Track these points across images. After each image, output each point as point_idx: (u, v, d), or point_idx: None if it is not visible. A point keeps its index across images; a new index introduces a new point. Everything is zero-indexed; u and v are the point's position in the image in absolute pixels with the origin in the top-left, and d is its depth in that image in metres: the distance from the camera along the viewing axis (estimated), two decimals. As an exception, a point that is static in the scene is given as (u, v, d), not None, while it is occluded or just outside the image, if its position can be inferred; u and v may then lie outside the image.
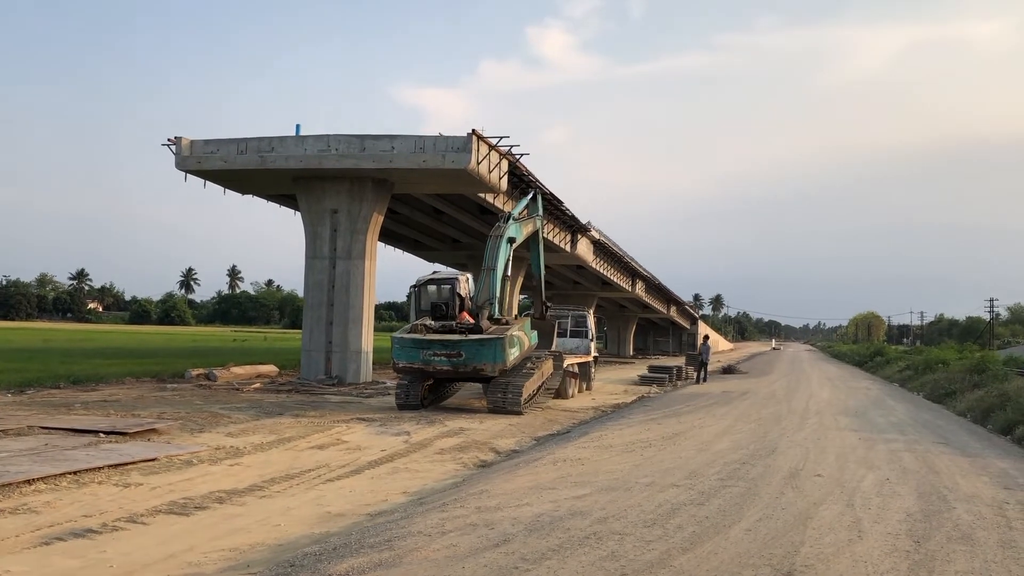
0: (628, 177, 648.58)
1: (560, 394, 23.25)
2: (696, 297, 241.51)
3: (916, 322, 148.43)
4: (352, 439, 15.03)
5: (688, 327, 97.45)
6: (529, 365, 20.50)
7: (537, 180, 33.20)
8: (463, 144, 26.07)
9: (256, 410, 19.13)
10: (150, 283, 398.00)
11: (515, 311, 27.46)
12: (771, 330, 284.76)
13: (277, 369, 31.80)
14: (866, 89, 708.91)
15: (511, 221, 21.84)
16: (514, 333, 19.41)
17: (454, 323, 19.51)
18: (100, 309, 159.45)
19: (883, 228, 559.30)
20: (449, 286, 20.78)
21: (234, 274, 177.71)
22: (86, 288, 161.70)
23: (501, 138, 27.54)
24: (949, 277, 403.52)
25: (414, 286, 21.44)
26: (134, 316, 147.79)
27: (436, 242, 42.43)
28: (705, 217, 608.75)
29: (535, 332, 22.12)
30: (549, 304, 26.39)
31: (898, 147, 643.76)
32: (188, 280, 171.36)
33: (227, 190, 30.77)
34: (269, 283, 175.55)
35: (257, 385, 26.08)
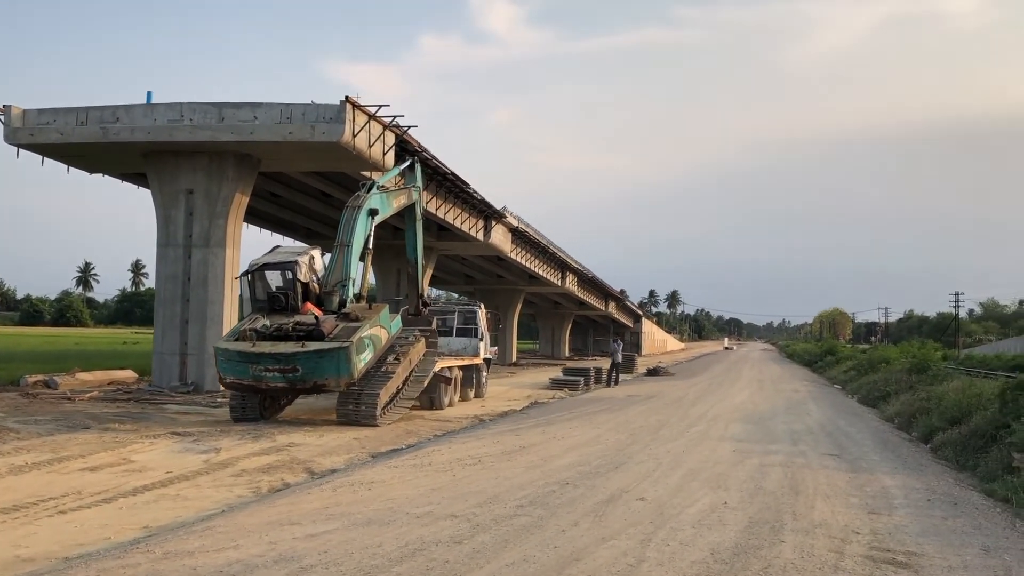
0: (579, 162, 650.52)
1: (434, 403, 21.59)
2: (651, 293, 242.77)
3: (886, 319, 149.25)
4: (143, 458, 13.59)
5: (631, 325, 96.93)
6: (391, 360, 18.89)
7: (435, 157, 31.90)
8: (335, 113, 24.66)
9: (60, 423, 17.56)
10: (49, 281, 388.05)
11: (423, 301, 25.33)
12: (731, 329, 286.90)
13: (135, 375, 30.12)
14: (836, 68, 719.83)
15: (374, 190, 20.34)
16: (364, 334, 17.65)
17: (290, 324, 17.75)
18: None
19: (855, 218, 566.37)
20: (289, 272, 19.01)
21: (138, 270, 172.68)
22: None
23: (380, 106, 26.13)
24: (929, 272, 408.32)
25: (245, 272, 19.57)
26: (25, 317, 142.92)
27: (330, 229, 40.72)
28: (663, 206, 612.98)
29: (397, 317, 20.58)
30: (427, 298, 24.83)
31: (873, 128, 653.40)
32: (86, 276, 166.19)
33: (71, 168, 28.96)
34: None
35: (94, 394, 24.37)
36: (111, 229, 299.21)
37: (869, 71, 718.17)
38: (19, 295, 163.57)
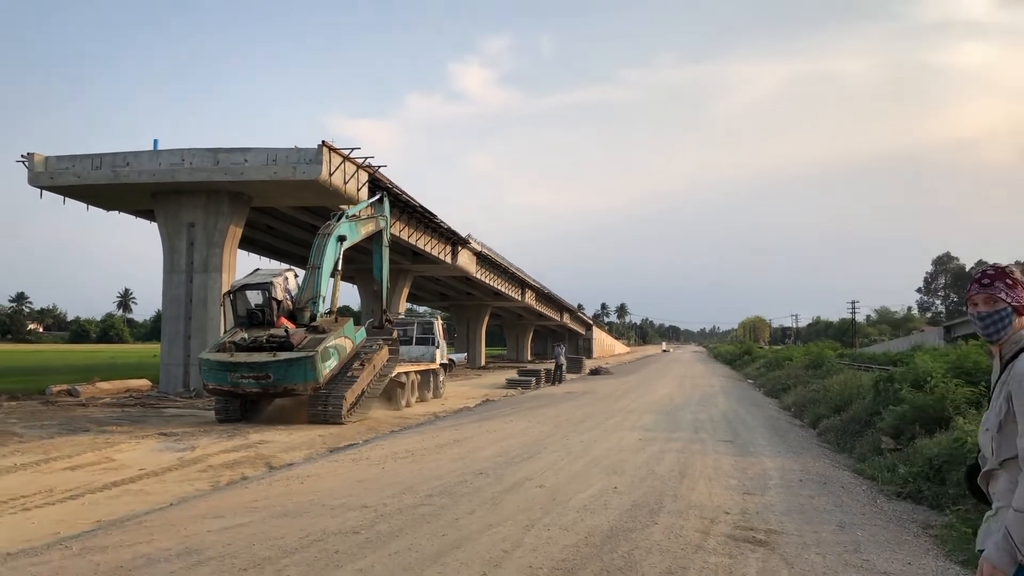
0: (545, 199, 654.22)
1: (392, 404, 20.59)
2: (603, 306, 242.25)
3: (797, 324, 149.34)
4: (124, 457, 12.78)
5: (584, 333, 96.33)
6: (356, 366, 18.22)
7: (404, 192, 31.25)
8: (314, 155, 24.25)
9: (64, 427, 16.68)
10: (99, 305, 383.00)
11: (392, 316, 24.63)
12: (670, 334, 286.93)
13: (150, 383, 29.10)
14: (754, 117, 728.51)
15: (343, 219, 19.81)
16: (330, 344, 17.08)
17: (264, 336, 17.13)
18: (41, 330, 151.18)
19: (777, 241, 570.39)
20: (266, 291, 18.34)
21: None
22: (26, 310, 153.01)
23: (353, 149, 25.65)
24: (835, 284, 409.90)
25: (228, 292, 19.08)
26: (74, 336, 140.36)
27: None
28: (615, 234, 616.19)
29: (362, 329, 19.94)
30: (390, 315, 23.98)
31: (789, 166, 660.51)
32: (126, 300, 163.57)
33: (90, 206, 28.10)
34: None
35: (106, 400, 23.45)
36: (151, 259, 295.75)
37: (780, 119, 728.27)
38: (69, 317, 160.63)
